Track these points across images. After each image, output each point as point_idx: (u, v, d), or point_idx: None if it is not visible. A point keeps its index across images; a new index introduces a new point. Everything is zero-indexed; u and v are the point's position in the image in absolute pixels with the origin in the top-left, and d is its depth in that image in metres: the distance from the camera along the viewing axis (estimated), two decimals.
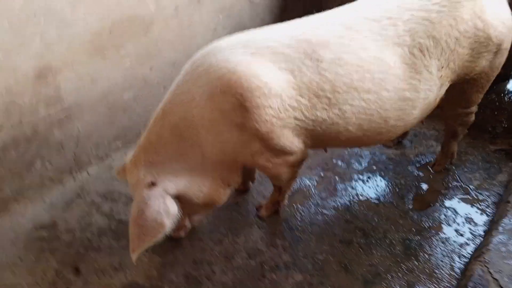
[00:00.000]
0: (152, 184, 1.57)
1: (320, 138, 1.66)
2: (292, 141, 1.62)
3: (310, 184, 2.28)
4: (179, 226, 1.91)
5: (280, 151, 1.63)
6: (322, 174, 2.34)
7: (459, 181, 2.22)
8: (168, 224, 1.51)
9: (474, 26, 1.62)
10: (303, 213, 2.11)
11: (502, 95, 2.79)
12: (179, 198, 1.63)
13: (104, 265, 1.87)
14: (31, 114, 2.09)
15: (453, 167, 2.29)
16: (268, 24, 3.16)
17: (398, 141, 2.48)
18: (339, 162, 2.40)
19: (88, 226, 2.08)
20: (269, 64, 1.49)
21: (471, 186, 2.17)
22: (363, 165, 2.38)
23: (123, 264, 1.87)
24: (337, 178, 2.31)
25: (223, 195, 1.77)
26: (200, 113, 1.52)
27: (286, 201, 2.09)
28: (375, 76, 1.55)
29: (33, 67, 2.01)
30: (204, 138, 1.57)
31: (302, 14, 3.41)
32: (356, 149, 2.47)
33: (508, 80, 2.88)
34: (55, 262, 1.88)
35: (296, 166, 1.78)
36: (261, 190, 2.25)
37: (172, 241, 1.93)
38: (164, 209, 1.52)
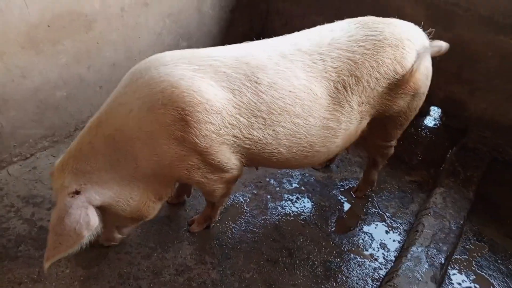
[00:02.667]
0: (76, 193, 1.54)
1: (255, 157, 1.75)
2: (229, 158, 1.67)
3: (243, 200, 2.34)
4: (107, 237, 1.87)
5: (217, 168, 1.68)
6: (255, 192, 2.41)
7: (377, 208, 2.43)
8: (86, 235, 1.50)
9: (394, 69, 1.79)
10: (234, 230, 2.17)
11: (420, 129, 3.09)
12: (105, 210, 1.62)
13: (21, 276, 1.77)
14: None
15: (373, 194, 2.50)
16: (213, 34, 3.20)
17: (326, 164, 2.64)
18: (272, 181, 2.50)
19: (5, 232, 1.94)
20: (211, 81, 1.55)
21: (387, 214, 2.39)
22: (293, 185, 2.50)
23: (42, 276, 1.78)
24: (269, 196, 2.40)
25: (153, 209, 1.77)
26: (138, 124, 1.52)
27: (218, 217, 2.13)
28: (304, 102, 1.68)
29: None
30: (139, 150, 1.56)
31: (247, 29, 3.48)
32: (288, 170, 2.59)
33: (426, 116, 3.20)
34: None
35: (230, 183, 1.84)
36: (195, 204, 2.27)
37: (97, 253, 1.88)
38: (84, 220, 1.50)
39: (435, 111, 3.22)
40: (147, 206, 1.72)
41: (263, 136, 1.66)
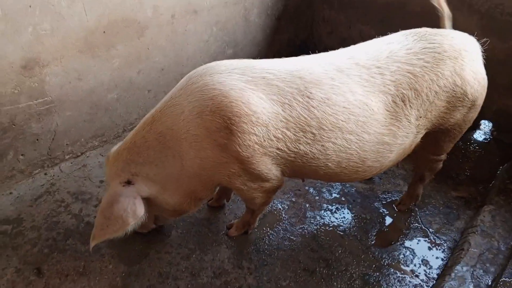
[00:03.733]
0: (128, 182, 1.66)
1: (299, 170, 1.74)
2: (270, 169, 1.68)
3: (281, 208, 2.34)
4: (144, 224, 1.94)
5: (257, 177, 1.69)
6: (293, 200, 2.41)
7: (420, 223, 2.34)
8: (132, 223, 1.61)
9: (453, 82, 1.74)
10: (271, 237, 2.17)
11: (468, 143, 2.96)
12: (150, 201, 1.72)
13: (68, 268, 1.86)
14: (11, 103, 2.05)
15: (416, 209, 2.42)
16: (259, 42, 3.24)
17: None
18: (311, 190, 2.48)
19: (55, 226, 2.05)
20: (261, 94, 1.57)
21: (430, 229, 2.30)
22: (333, 195, 2.47)
23: (87, 269, 1.86)
24: (307, 205, 2.38)
25: (194, 206, 1.84)
26: (187, 126, 1.58)
27: (256, 223, 2.14)
28: (359, 119, 1.65)
29: (21, 57, 1.97)
30: (185, 151, 1.62)
31: (293, 36, 3.50)
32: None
33: (475, 129, 3.07)
34: (17, 260, 1.84)
35: (270, 193, 1.85)
36: (234, 209, 2.29)
37: (139, 251, 1.94)
38: (132, 209, 1.60)
39: (485, 125, 3.08)
40: (188, 203, 1.80)
41: (310, 151, 1.64)
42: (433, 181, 2.45)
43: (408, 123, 1.74)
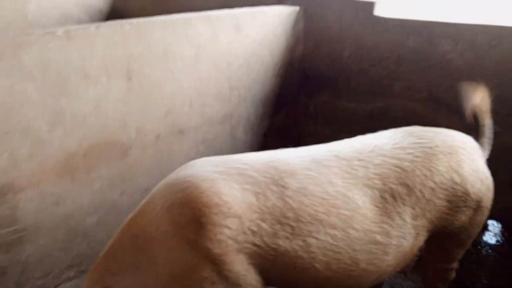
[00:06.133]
0: None
1: (284, 274, 1.54)
2: (248, 271, 1.47)
3: None
4: None
5: (234, 283, 1.47)
6: None
7: None
8: None
9: (451, 179, 1.63)
10: None
11: (479, 247, 2.73)
12: None
13: None
14: None
15: None
16: None
17: None
18: None
19: None
20: (234, 184, 1.48)
21: None
22: None
23: None
24: None
25: None
26: (157, 224, 1.46)
27: None
28: (341, 212, 1.51)
29: None
30: (157, 253, 1.46)
31: None
32: None
33: (484, 231, 2.86)
34: None
35: None
36: None
37: None
38: None
39: (494, 226, 2.89)
40: None
41: (291, 247, 1.47)
42: None
43: (403, 222, 1.59)
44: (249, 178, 1.50)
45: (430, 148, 1.66)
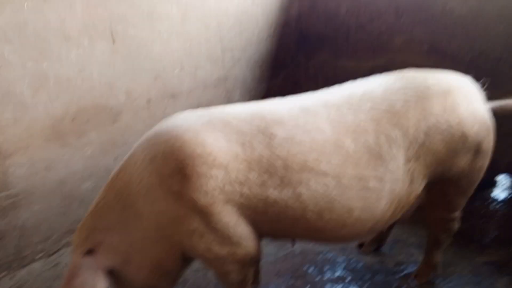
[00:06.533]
0: (89, 252, 1.46)
1: (275, 225, 1.49)
2: (237, 223, 1.43)
3: None
4: None
5: (224, 236, 1.43)
6: (291, 283, 2.05)
7: None
8: None
9: (446, 121, 1.53)
10: None
11: (487, 203, 2.62)
12: (118, 277, 1.50)
13: None
14: None
15: (438, 279, 2.02)
16: None
17: (376, 247, 2.24)
18: (311, 269, 2.14)
19: None
20: (219, 134, 1.43)
21: None
22: (337, 273, 2.11)
23: None
24: (308, 287, 2.02)
25: (165, 282, 1.57)
26: (140, 177, 1.42)
27: None
28: (332, 159, 1.45)
29: None
30: (142, 207, 1.44)
31: None
32: (330, 255, 2.23)
33: (492, 187, 2.74)
34: None
35: (247, 266, 1.54)
36: None
37: None
38: (90, 285, 1.40)
39: (503, 181, 2.77)
40: (158, 279, 1.54)
41: (280, 198, 1.42)
42: (452, 247, 2.09)
43: (396, 166, 1.51)
44: (234, 128, 1.44)
45: (423, 89, 1.56)
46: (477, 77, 1.76)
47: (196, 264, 2.16)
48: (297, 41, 3.30)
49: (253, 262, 1.57)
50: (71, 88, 2.13)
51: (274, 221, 1.47)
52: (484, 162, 1.68)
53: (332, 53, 3.24)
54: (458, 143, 1.56)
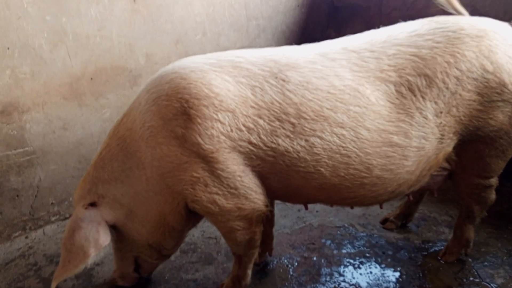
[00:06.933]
0: (92, 204, 1.43)
1: (284, 178, 1.37)
2: (244, 173, 1.33)
3: (288, 264, 1.87)
4: (123, 273, 1.65)
5: (230, 186, 1.33)
6: (305, 255, 1.93)
7: (478, 277, 1.74)
8: (93, 254, 1.34)
9: (481, 66, 1.35)
10: None
11: None
12: (121, 232, 1.48)
13: None
14: None
15: (469, 259, 1.83)
16: None
17: (402, 223, 2.07)
18: (328, 242, 2.00)
19: None
20: (227, 76, 1.33)
21: (492, 285, 1.69)
22: (356, 248, 1.96)
23: None
24: (323, 260, 1.89)
25: (170, 239, 1.52)
26: (142, 120, 1.35)
27: (248, 280, 1.66)
28: (351, 108, 1.31)
29: None
30: (144, 153, 1.37)
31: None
32: (350, 229, 2.08)
33: None
34: None
35: (254, 223, 1.43)
36: (229, 267, 1.86)
37: None
38: (94, 237, 1.36)
39: None
40: (162, 234, 1.48)
41: (292, 147, 1.30)
42: (488, 225, 1.91)
43: (424, 119, 1.36)
44: (245, 70, 1.34)
45: (454, 31, 1.39)
46: None
47: (208, 231, 2.09)
48: (328, 12, 3.14)
49: (261, 220, 1.46)
50: (90, 46, 2.10)
51: (284, 176, 1.36)
52: None
53: (365, 26, 3.04)
54: (495, 92, 1.38)
